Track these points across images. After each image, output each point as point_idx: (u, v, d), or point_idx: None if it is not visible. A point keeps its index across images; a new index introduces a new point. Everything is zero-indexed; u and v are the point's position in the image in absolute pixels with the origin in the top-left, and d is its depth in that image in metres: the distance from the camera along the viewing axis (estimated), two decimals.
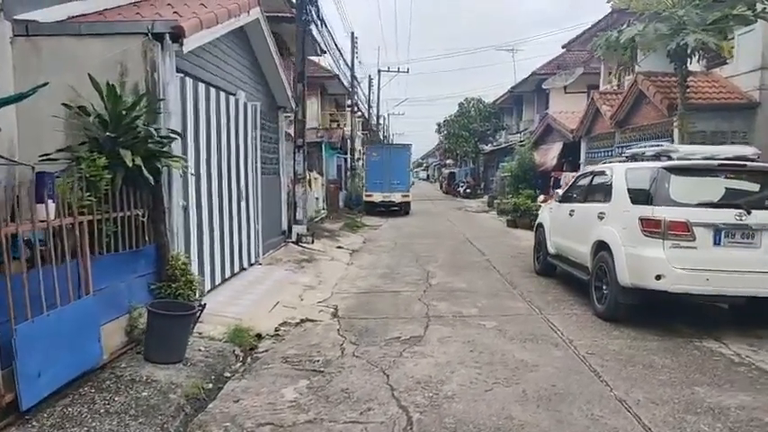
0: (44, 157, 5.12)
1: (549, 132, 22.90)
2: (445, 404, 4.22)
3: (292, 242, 12.23)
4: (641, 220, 5.96)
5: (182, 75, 6.30)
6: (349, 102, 28.48)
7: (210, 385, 4.77)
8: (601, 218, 6.89)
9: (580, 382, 4.63)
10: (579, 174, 8.67)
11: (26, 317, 3.76)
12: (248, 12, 8.49)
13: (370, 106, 38.00)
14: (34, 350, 3.74)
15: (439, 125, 42.93)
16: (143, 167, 5.13)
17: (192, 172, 6.43)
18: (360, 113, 38.34)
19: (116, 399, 4.17)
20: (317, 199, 17.76)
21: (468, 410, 4.11)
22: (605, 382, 4.64)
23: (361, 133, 39.20)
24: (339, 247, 12.85)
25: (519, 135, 30.81)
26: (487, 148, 39.07)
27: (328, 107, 32.13)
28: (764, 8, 9.66)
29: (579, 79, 23.25)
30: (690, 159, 6.24)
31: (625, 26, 10.86)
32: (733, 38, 12.33)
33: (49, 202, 4.26)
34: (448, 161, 53.72)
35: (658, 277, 5.78)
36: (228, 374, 5.06)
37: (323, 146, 20.57)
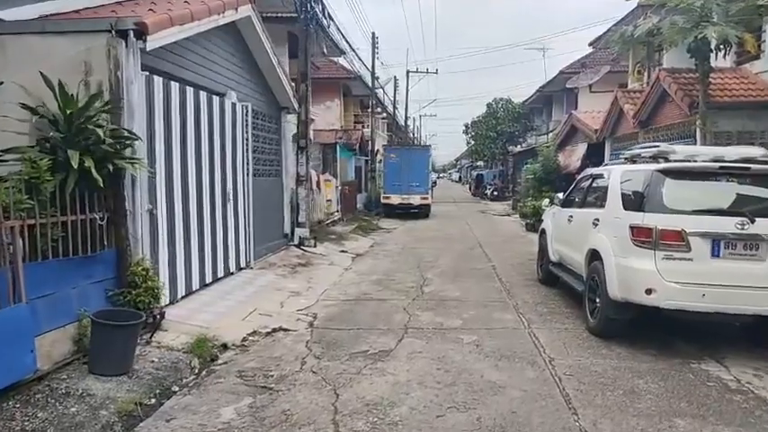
0: None
1: (573, 133, 22.10)
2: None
3: (294, 245, 11.97)
4: (632, 228, 5.41)
5: (147, 73, 6.07)
6: (372, 102, 28.13)
7: (153, 401, 4.50)
8: (595, 224, 6.36)
9: (545, 410, 4.17)
10: (581, 176, 8.10)
11: None
12: (236, 9, 8.26)
13: (395, 107, 37.57)
14: None
15: (466, 126, 42.15)
16: (93, 170, 4.91)
17: (151, 173, 6.14)
18: (384, 115, 38.03)
19: (39, 414, 3.93)
20: (329, 201, 17.50)
21: None
22: (573, 410, 4.16)
23: (386, 134, 38.89)
24: (342, 251, 12.53)
25: (548, 136, 29.95)
26: (516, 149, 38.19)
27: (353, 108, 31.95)
28: None
29: (607, 78, 22.35)
30: (690, 162, 5.64)
31: (640, 20, 10.21)
32: (764, 31, 11.50)
33: None
34: (479, 163, 52.87)
35: (648, 291, 5.22)
36: (177, 389, 4.77)
37: (337, 147, 20.28)
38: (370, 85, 26.54)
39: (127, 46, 5.68)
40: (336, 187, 18.98)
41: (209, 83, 8.09)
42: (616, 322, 5.77)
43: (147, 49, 5.86)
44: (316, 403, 4.32)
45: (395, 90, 36.22)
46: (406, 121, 43.55)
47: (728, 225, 5.12)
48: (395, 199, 22.07)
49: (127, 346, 4.86)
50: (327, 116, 25.93)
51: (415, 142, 50.44)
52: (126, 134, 5.49)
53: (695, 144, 11.04)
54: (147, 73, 6.09)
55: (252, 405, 4.33)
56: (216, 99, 7.94)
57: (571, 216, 7.52)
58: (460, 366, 5.10)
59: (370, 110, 27.56)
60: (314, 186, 14.94)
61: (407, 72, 38.17)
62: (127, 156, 5.44)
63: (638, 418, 4.05)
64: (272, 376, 4.96)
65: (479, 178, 43.19)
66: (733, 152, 5.74)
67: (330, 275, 9.76)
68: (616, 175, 6.23)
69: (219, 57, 8.48)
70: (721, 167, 5.35)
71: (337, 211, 18.71)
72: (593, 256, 6.21)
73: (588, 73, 22.09)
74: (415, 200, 22.09)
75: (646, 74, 18.09)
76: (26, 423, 3.80)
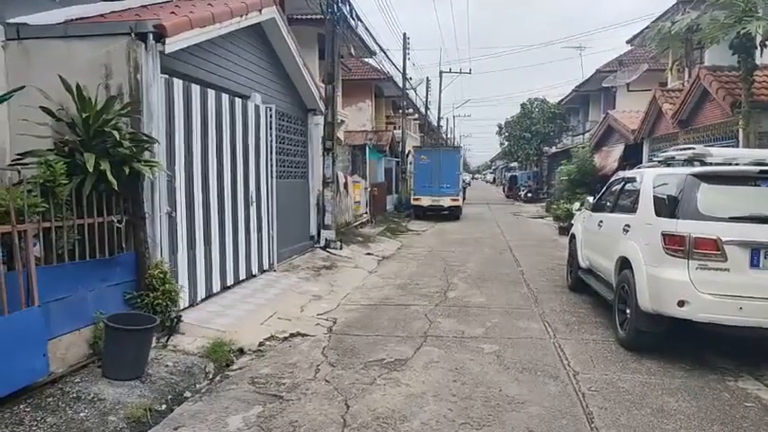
0: (13, 162, 5.03)
1: (610, 134, 21.46)
2: None
3: (320, 247, 11.91)
4: (664, 235, 5.09)
5: (167, 76, 6.06)
6: (403, 104, 27.96)
7: (164, 407, 4.46)
8: (626, 231, 6.04)
9: (565, 429, 3.93)
10: (612, 179, 7.75)
11: None
12: (260, 11, 8.24)
13: (427, 108, 37.30)
14: None
15: (500, 126, 41.53)
16: (108, 173, 4.90)
17: (169, 176, 6.12)
18: (416, 116, 37.79)
19: (48, 419, 3.92)
20: (357, 203, 17.40)
21: None
22: (596, 430, 3.91)
23: (418, 135, 38.63)
24: (368, 254, 12.41)
25: (582, 137, 29.22)
26: (551, 150, 37.42)
27: (385, 109, 31.85)
28: None
29: (645, 76, 21.62)
30: (727, 165, 5.29)
31: (679, 16, 9.75)
32: None
33: None
34: (513, 164, 52.07)
35: (681, 303, 4.90)
36: (189, 395, 4.72)
37: (366, 149, 20.19)
38: (401, 85, 26.37)
39: (146, 49, 5.68)
40: (365, 189, 18.87)
41: (233, 85, 8.07)
42: (647, 335, 5.45)
43: (167, 52, 5.85)
44: (325, 415, 4.19)
45: (427, 91, 35.99)
46: (438, 122, 43.22)
47: None
48: (425, 200, 21.85)
49: (140, 351, 4.83)
50: (359, 117, 25.91)
51: (448, 143, 50.01)
52: (144, 137, 5.47)
53: (737, 146, 10.52)
54: (167, 76, 6.07)
55: (260, 415, 4.23)
56: (239, 101, 7.91)
57: (601, 221, 7.20)
58: (478, 378, 4.89)
59: (401, 111, 27.36)
60: (341, 188, 14.87)
61: (440, 72, 37.87)
62: (144, 159, 5.43)
63: None
64: (284, 384, 4.85)
65: (513, 179, 42.54)
66: None
67: (354, 279, 9.65)
68: (648, 179, 5.90)
69: (243, 59, 8.46)
70: (761, 171, 4.98)
71: (366, 213, 18.61)
72: (624, 263, 5.90)
73: (626, 71, 21.41)
74: (446, 201, 21.82)
75: (686, 72, 17.43)
76: (34, 428, 3.78)
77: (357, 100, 25.94)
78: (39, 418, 3.90)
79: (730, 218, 4.93)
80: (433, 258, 12.09)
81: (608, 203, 7.34)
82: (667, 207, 5.28)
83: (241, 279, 8.06)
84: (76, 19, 6.41)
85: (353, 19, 13.13)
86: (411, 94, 31.27)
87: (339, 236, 12.79)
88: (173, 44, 5.91)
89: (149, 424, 4.14)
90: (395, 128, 29.35)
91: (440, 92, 38.59)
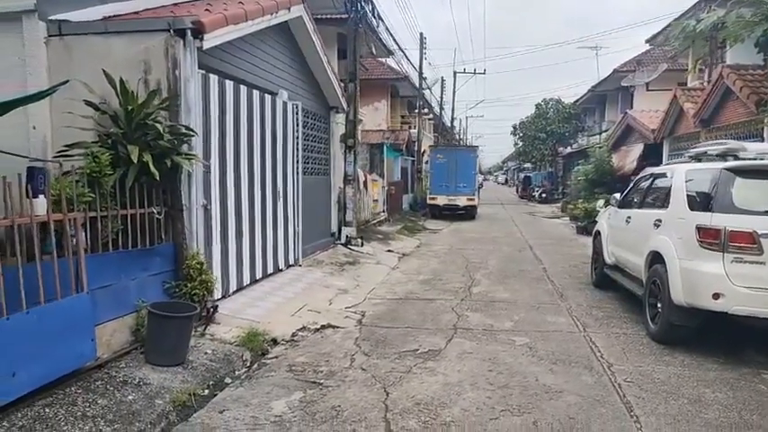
0: (59, 154, 5.17)
1: (628, 133, 21.36)
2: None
3: (341, 244, 12.01)
4: (698, 228, 5.13)
5: (203, 72, 6.18)
6: (419, 103, 28.02)
7: (206, 391, 4.57)
8: (657, 225, 6.07)
9: (604, 417, 3.98)
10: (640, 176, 7.77)
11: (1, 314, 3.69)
12: (288, 9, 8.34)
13: (441, 108, 37.36)
14: (7, 349, 3.66)
15: (514, 127, 41.46)
16: (151, 165, 5.03)
17: (206, 169, 6.26)
18: (431, 116, 37.83)
19: (99, 401, 4.04)
20: (375, 201, 17.50)
21: None
22: (635, 419, 3.96)
23: (432, 135, 38.66)
24: (389, 251, 12.49)
25: (599, 136, 29.09)
26: (567, 150, 37.26)
27: (400, 109, 31.93)
28: None
29: (664, 76, 21.50)
30: (761, 159, 5.31)
31: (704, 14, 9.75)
32: None
33: (40, 198, 4.22)
34: (526, 164, 51.91)
35: (716, 296, 4.94)
36: (229, 381, 4.84)
37: (384, 147, 20.28)
38: (417, 85, 26.44)
39: (184, 45, 5.79)
40: (383, 187, 18.97)
41: (262, 82, 8.19)
42: (680, 329, 5.48)
43: (204, 48, 5.97)
44: (366, 400, 4.27)
45: (442, 90, 36.02)
46: (452, 122, 43.24)
47: None
48: (441, 200, 21.90)
49: (181, 338, 4.95)
50: (375, 117, 25.99)
51: (462, 143, 49.98)
52: (183, 130, 5.59)
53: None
54: (204, 71, 6.20)
55: (302, 400, 4.33)
56: (268, 97, 8.04)
57: (629, 217, 7.22)
58: (513, 369, 4.95)
59: (417, 110, 27.43)
60: (361, 186, 14.97)
61: (454, 72, 37.90)
62: (184, 152, 5.55)
63: (706, 428, 3.82)
64: (321, 372, 4.95)
65: (527, 180, 42.41)
66: None
67: (377, 274, 9.73)
68: (680, 174, 5.92)
69: (271, 56, 8.58)
70: None
71: (383, 212, 18.70)
72: (655, 258, 5.93)
73: (645, 71, 21.32)
74: (462, 201, 21.85)
75: (707, 71, 17.35)
76: (87, 409, 3.90)
77: (373, 99, 26.02)
78: (90, 400, 4.03)
79: (766, 211, 4.95)
80: (453, 256, 12.15)
81: (636, 199, 7.36)
82: (701, 201, 5.32)
83: (269, 273, 8.18)
84: (113, 16, 6.56)
85: (375, 18, 13.23)
86: (426, 93, 31.32)
87: (359, 233, 12.89)
88: (210, 40, 6.03)
89: (194, 407, 4.26)
90: (410, 127, 29.43)
91: (454, 92, 38.63)
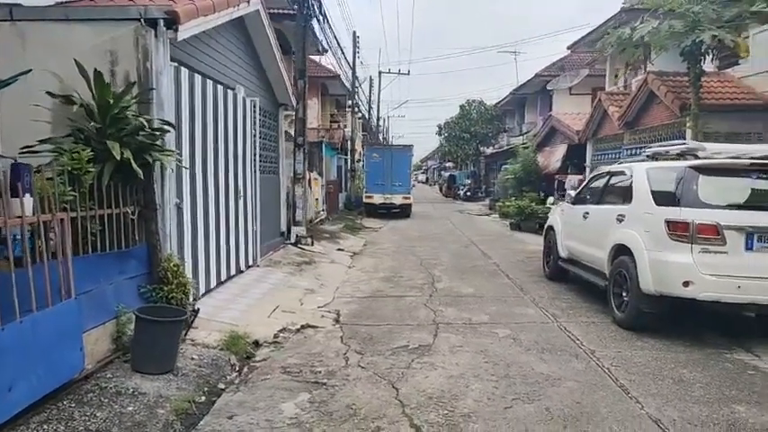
0: (26, 150, 4.74)
1: (553, 134, 22.56)
2: (462, 423, 3.82)
3: (291, 244, 11.82)
4: (668, 222, 5.56)
5: (176, 64, 5.90)
6: (350, 102, 28.04)
7: (203, 398, 4.38)
8: (620, 220, 6.50)
9: (607, 399, 4.24)
10: (593, 174, 8.27)
11: None
12: (248, 2, 8.11)
13: (370, 107, 37.61)
14: (4, 361, 3.33)
15: (440, 127, 42.51)
16: (132, 161, 4.74)
17: (186, 167, 6.01)
18: (360, 115, 37.98)
19: (98, 414, 3.77)
20: (316, 200, 17.35)
21: (489, 431, 3.72)
22: (635, 399, 4.24)
23: (361, 134, 38.80)
24: (340, 250, 12.45)
25: (521, 137, 30.45)
26: (489, 150, 38.69)
27: (329, 107, 31.75)
28: None
29: (584, 81, 22.90)
30: (717, 158, 5.85)
31: (638, 23, 10.50)
32: (747, 37, 11.99)
33: (27, 196, 3.87)
34: (448, 164, 53.29)
35: (686, 284, 5.39)
36: (223, 386, 4.65)
37: (323, 146, 20.13)
38: (349, 84, 26.43)
39: (156, 35, 5.48)
40: (322, 186, 18.83)
41: (223, 78, 7.91)
42: (647, 315, 5.91)
43: (178, 39, 5.70)
44: (377, 397, 4.27)
45: (370, 89, 36.26)
46: (378, 122, 43.61)
47: (761, 219, 5.33)
48: (377, 198, 22.05)
49: (171, 344, 4.71)
50: (308, 115, 25.65)
51: (386, 142, 50.55)
52: (161, 125, 5.31)
53: None
54: (176, 64, 5.91)
55: (311, 400, 4.26)
56: (230, 93, 7.78)
57: (587, 212, 7.66)
58: (507, 359, 5.13)
59: (350, 109, 27.49)
60: (306, 185, 14.78)
61: (380, 72, 38.42)
62: (162, 147, 5.27)
63: (699, 405, 4.16)
64: (319, 372, 4.88)
65: (452, 179, 43.56)
66: (757, 149, 5.96)
67: (337, 273, 9.68)
68: (641, 172, 6.37)
69: (231, 51, 8.32)
70: (752, 164, 5.56)
71: (323, 210, 18.57)
72: (620, 250, 6.34)
73: (568, 76, 22.58)
74: (398, 200, 22.12)
75: (623, 78, 18.68)
76: (88, 423, 3.64)
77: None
78: (88, 414, 3.75)
79: (727, 205, 5.46)
80: (403, 253, 12.29)
81: (592, 196, 7.82)
82: (668, 197, 5.75)
83: (232, 274, 7.92)
84: (68, 1, 6.13)
85: (321, 16, 13.11)
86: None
87: (308, 232, 12.74)
88: (183, 32, 5.75)
89: (197, 415, 4.08)
90: (339, 126, 29.35)
91: (379, 92, 39.08)
